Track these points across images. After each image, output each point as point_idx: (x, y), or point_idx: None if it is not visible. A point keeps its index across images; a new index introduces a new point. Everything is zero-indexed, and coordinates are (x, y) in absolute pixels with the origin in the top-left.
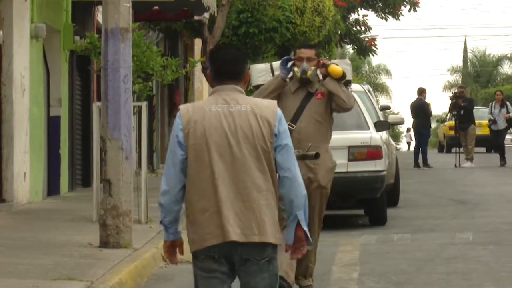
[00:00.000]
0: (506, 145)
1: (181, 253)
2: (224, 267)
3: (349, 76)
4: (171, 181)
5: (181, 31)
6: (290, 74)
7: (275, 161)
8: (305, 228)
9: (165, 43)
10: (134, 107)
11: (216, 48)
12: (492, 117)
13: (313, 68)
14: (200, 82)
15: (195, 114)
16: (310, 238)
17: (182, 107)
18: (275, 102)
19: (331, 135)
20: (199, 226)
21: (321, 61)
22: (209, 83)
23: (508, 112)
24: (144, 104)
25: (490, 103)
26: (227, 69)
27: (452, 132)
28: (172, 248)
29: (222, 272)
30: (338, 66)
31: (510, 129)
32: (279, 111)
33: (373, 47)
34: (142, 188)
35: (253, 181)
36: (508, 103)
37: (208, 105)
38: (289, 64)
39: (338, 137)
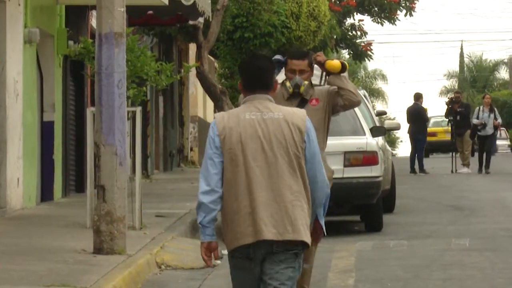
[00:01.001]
0: (503, 151)
1: (216, 257)
2: (258, 268)
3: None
4: (212, 181)
5: (175, 36)
6: (281, 75)
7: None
8: (322, 222)
9: (160, 48)
10: (128, 112)
11: (247, 58)
12: (483, 122)
13: (306, 82)
14: (195, 87)
15: (230, 121)
16: (325, 231)
17: (217, 114)
18: (304, 111)
19: (326, 144)
20: (234, 226)
21: (317, 58)
22: (241, 92)
23: (496, 118)
24: (138, 109)
25: (478, 107)
26: (258, 79)
27: (432, 138)
28: (208, 250)
29: (256, 272)
30: (334, 60)
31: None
32: (308, 119)
33: (369, 52)
34: (137, 194)
35: (286, 183)
36: (495, 109)
37: (242, 113)
38: (279, 65)
39: (334, 142)
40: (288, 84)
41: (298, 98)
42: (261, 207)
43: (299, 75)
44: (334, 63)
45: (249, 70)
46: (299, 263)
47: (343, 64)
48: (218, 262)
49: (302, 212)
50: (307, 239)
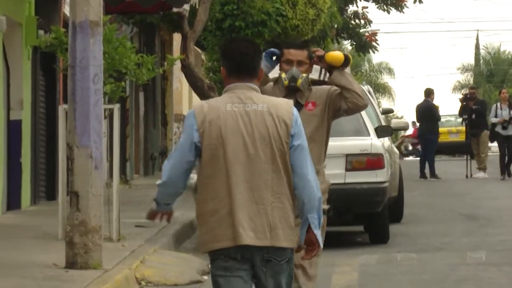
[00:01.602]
0: None
1: (169, 220)
2: (246, 266)
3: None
4: (175, 174)
5: (158, 24)
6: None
7: None
8: (316, 232)
9: (140, 39)
10: (105, 110)
11: (228, 42)
12: (505, 119)
13: (304, 75)
14: (180, 82)
15: (210, 113)
16: (321, 243)
17: (196, 105)
18: (291, 101)
19: (325, 155)
20: (211, 227)
21: (317, 53)
22: (224, 79)
23: None
24: (116, 107)
25: (495, 105)
26: (241, 65)
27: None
28: (156, 214)
29: (245, 270)
30: (335, 51)
31: None
32: (295, 111)
33: (374, 43)
34: (114, 202)
35: (267, 183)
36: None
37: (223, 104)
38: (274, 58)
39: (335, 144)
40: (284, 75)
41: (294, 94)
42: (240, 208)
43: (297, 67)
44: (336, 54)
45: (231, 55)
46: (291, 268)
47: (346, 57)
48: (205, 278)
49: (283, 213)
50: (289, 243)
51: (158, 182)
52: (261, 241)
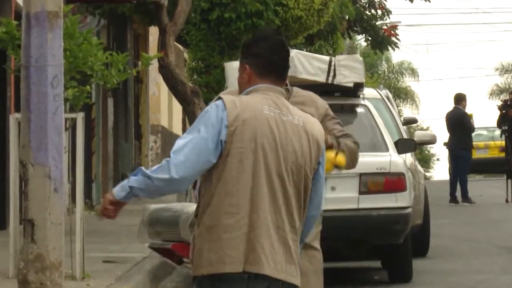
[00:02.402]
0: None
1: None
2: None
3: (359, 78)
4: (190, 174)
5: (130, 16)
6: None
7: None
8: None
9: (109, 33)
10: (66, 120)
11: (259, 39)
12: None
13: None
14: (157, 86)
15: (245, 110)
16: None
17: (226, 97)
18: (318, 122)
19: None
20: (223, 246)
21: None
22: (243, 80)
23: None
24: (80, 116)
25: None
26: (281, 64)
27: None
28: (114, 206)
29: None
30: (344, 154)
31: None
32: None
33: (393, 38)
34: (77, 232)
35: (290, 209)
36: None
37: (259, 104)
38: None
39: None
40: None
41: None
42: (264, 231)
43: None
44: (342, 159)
45: (272, 50)
46: None
47: (349, 164)
48: None
49: (295, 248)
50: (298, 281)
51: (161, 175)
52: (279, 273)
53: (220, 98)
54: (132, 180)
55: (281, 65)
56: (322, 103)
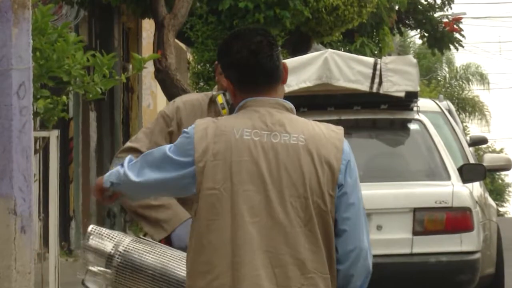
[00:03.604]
0: None
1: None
2: None
3: (412, 86)
4: (143, 187)
5: (118, 6)
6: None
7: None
8: None
9: (91, 28)
10: (36, 139)
11: (229, 39)
12: None
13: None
14: (153, 96)
15: (217, 141)
16: None
17: (199, 122)
18: (341, 129)
19: None
20: None
21: None
22: (230, 92)
23: None
24: (54, 135)
25: None
26: (257, 71)
27: None
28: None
29: None
30: None
31: None
32: (346, 145)
33: (456, 34)
34: (51, 284)
35: (297, 256)
36: None
37: (238, 128)
38: None
39: (396, 192)
40: (220, 99)
41: None
42: None
43: None
44: None
45: (236, 59)
46: None
47: None
48: None
49: None
50: None
51: (130, 174)
52: None
53: (196, 122)
54: (113, 173)
55: (268, 67)
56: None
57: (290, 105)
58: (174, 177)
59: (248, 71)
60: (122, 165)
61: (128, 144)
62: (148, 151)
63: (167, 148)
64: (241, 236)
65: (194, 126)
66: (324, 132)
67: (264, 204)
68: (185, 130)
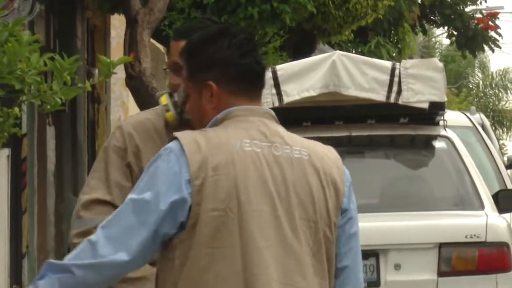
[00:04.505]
0: None
1: None
2: None
3: (438, 95)
4: (140, 252)
5: (81, 0)
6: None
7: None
8: None
9: (49, 25)
10: None
11: (214, 32)
12: None
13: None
14: (123, 108)
15: (216, 154)
16: None
17: (184, 136)
18: (334, 151)
19: None
20: None
21: None
22: (210, 104)
23: None
24: (3, 155)
25: None
26: (255, 72)
27: None
28: None
29: None
30: None
31: None
32: (345, 168)
33: (492, 33)
34: None
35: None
36: None
37: (237, 139)
38: None
39: (418, 224)
40: (164, 99)
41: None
42: None
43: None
44: None
45: (242, 49)
46: None
47: None
48: None
49: None
50: None
51: (86, 261)
52: None
53: (174, 138)
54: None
55: (259, 71)
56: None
57: (274, 115)
58: (165, 214)
59: (246, 70)
60: (56, 270)
61: (86, 197)
62: (106, 219)
63: (137, 195)
64: (256, 265)
65: (179, 139)
66: (321, 148)
67: (274, 227)
68: (165, 147)
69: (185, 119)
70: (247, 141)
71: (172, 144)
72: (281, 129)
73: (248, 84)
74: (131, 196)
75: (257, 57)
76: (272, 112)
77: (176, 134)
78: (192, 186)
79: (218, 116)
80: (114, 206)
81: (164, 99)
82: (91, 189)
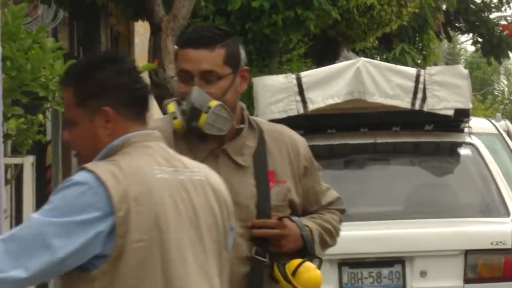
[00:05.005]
0: None
1: None
2: None
3: (463, 102)
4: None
5: (105, 6)
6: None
7: None
8: None
9: (73, 32)
10: (7, 167)
11: (98, 57)
12: None
13: (214, 103)
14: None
15: (134, 184)
16: None
17: (98, 168)
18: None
19: None
20: None
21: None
22: (104, 130)
23: None
24: (28, 162)
25: None
26: (144, 97)
27: None
28: None
29: None
30: (313, 267)
31: None
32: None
33: None
34: None
35: None
36: None
37: (147, 167)
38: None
39: (444, 231)
40: (171, 107)
41: (226, 161)
42: None
43: (202, 85)
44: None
45: (131, 76)
46: None
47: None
48: None
49: None
50: None
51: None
52: None
53: (87, 170)
54: None
55: (148, 96)
56: (305, 144)
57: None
58: (78, 247)
59: (138, 96)
60: None
61: None
62: (8, 234)
63: (43, 216)
64: None
65: (92, 172)
66: (208, 169)
67: (192, 254)
68: (76, 180)
69: (193, 127)
70: (156, 168)
71: (87, 176)
72: (175, 153)
73: (141, 109)
74: (38, 216)
75: (145, 83)
76: (161, 135)
77: (88, 166)
78: (116, 218)
79: (115, 143)
80: None
81: (171, 107)
82: None
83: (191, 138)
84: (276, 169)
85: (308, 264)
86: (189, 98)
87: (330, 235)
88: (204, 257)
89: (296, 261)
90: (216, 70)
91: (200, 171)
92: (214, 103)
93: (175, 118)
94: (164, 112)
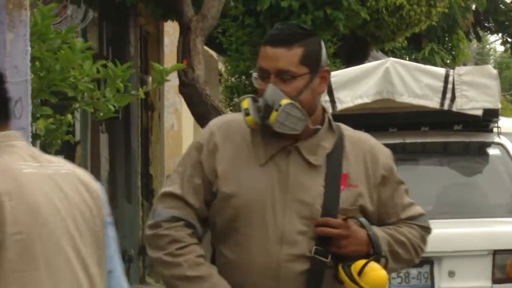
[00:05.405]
0: None
1: None
2: None
3: (492, 102)
4: None
5: (134, 6)
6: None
7: None
8: None
9: (102, 32)
10: None
11: None
12: None
13: (287, 101)
14: (177, 115)
15: (2, 180)
16: None
17: None
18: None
19: None
20: None
21: (318, 231)
22: None
23: None
24: None
25: None
26: (4, 99)
27: None
28: None
29: None
30: (379, 267)
31: None
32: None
33: None
34: None
35: None
36: None
37: (13, 163)
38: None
39: (472, 231)
40: (245, 103)
41: (297, 161)
42: None
43: (278, 83)
44: (375, 279)
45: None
46: None
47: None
48: None
49: None
50: None
51: None
52: None
53: None
54: None
55: (9, 100)
56: (389, 155)
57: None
58: None
59: (1, 99)
60: None
61: (163, 190)
62: None
63: None
64: (64, 285)
65: None
66: (71, 164)
67: (71, 245)
68: None
69: (265, 124)
70: (23, 163)
71: None
72: (37, 150)
73: (5, 111)
74: None
75: (4, 87)
76: (22, 135)
77: None
78: None
79: None
80: (185, 201)
81: (245, 103)
82: (170, 182)
83: (266, 134)
84: (350, 172)
85: (373, 264)
86: (264, 95)
87: (403, 248)
88: (81, 246)
89: (362, 262)
90: (291, 69)
91: (65, 166)
92: (285, 101)
93: (247, 114)
94: (193, 110)
